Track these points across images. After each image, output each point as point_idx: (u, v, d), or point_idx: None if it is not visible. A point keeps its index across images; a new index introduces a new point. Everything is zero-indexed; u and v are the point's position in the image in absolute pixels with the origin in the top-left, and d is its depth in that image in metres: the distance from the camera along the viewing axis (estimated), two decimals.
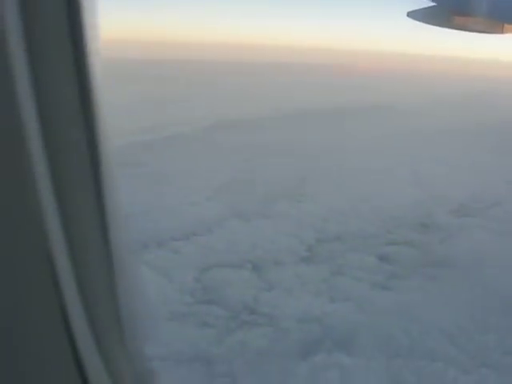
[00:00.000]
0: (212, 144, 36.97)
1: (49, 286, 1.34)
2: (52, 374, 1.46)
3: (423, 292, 18.18)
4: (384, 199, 26.59)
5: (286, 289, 17.71)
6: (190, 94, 58.59)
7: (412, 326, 15.99)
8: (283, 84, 74.37)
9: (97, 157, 1.37)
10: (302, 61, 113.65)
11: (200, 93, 60.08)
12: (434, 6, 11.94)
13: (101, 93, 1.35)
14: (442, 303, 17.48)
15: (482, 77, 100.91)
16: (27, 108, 1.19)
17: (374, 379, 13.66)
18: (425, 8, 12.12)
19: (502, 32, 11.43)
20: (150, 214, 22.57)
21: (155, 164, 30.85)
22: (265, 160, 32.93)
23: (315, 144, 37.46)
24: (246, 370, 13.56)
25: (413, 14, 12.42)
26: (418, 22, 12.39)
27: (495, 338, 15.77)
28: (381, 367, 14.07)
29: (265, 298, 17.06)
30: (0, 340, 1.34)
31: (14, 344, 1.35)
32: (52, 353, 1.43)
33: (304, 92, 66.35)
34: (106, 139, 1.40)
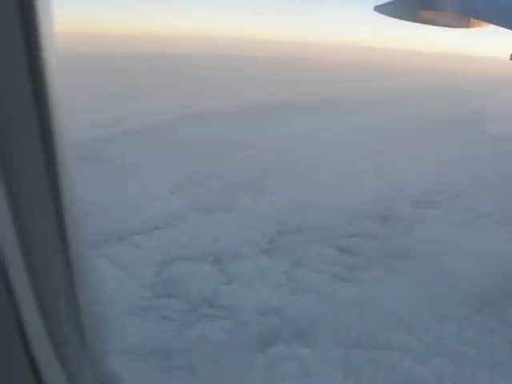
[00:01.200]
0: (176, 138, 36.82)
1: (1, 287, 1.29)
2: (6, 378, 1.39)
3: (383, 283, 18.35)
4: (345, 191, 26.79)
5: (246, 281, 17.74)
6: (158, 88, 58.22)
7: (371, 317, 16.15)
8: (249, 78, 74.30)
9: (52, 151, 1.33)
10: (269, 55, 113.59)
11: (168, 86, 59.78)
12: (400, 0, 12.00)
13: (57, 87, 1.31)
14: (400, 294, 17.67)
15: (447, 71, 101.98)
16: None
17: (331, 369, 13.76)
18: (392, 2, 12.15)
19: (468, 26, 11.52)
20: (112, 209, 22.43)
21: (118, 158, 30.62)
22: (228, 153, 32.93)
23: (278, 137, 37.55)
24: (204, 363, 13.57)
25: (380, 8, 12.44)
26: (384, 16, 12.44)
27: (452, 328, 16.02)
28: (339, 358, 14.19)
29: (224, 291, 17.07)
30: None
31: None
32: (5, 356, 1.37)
33: (269, 86, 66.36)
34: (62, 134, 1.37)
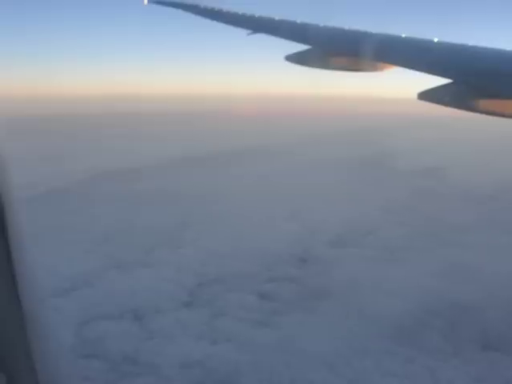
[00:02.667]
0: (90, 196, 36.41)
1: None
2: None
3: (303, 325, 18.55)
4: (263, 237, 27.06)
5: (168, 335, 17.64)
6: (77, 148, 57.51)
7: (293, 359, 16.29)
8: (166, 133, 74.16)
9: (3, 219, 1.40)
10: (185, 109, 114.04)
11: (87, 146, 59.16)
12: (309, 48, 12.40)
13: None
14: (322, 334, 17.91)
15: (358, 114, 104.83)
16: None
17: None
18: (302, 51, 12.55)
19: (375, 70, 11.99)
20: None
21: (35, 219, 29.92)
22: (145, 208, 32.80)
23: (196, 189, 37.66)
24: None
25: (290, 57, 12.83)
26: (295, 65, 12.83)
27: (373, 362, 16.31)
28: None
29: (146, 347, 16.91)
30: None
31: None
32: None
33: (185, 139, 66.54)
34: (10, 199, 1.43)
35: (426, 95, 10.01)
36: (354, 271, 23.12)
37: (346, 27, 13.33)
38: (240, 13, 15.04)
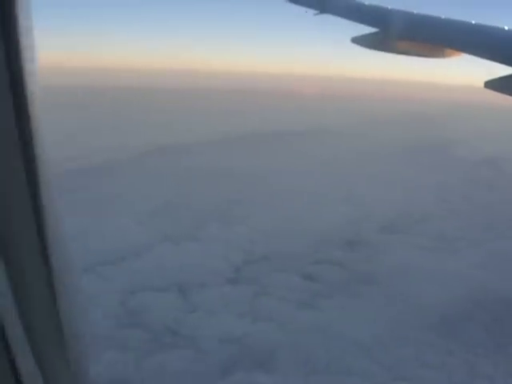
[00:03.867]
0: (148, 169, 36.84)
1: None
2: None
3: (346, 309, 18.53)
4: (314, 219, 26.98)
5: (210, 310, 17.88)
6: (135, 120, 58.06)
7: (332, 342, 16.31)
8: (227, 109, 74.18)
9: (35, 176, 1.43)
10: (248, 86, 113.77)
11: (145, 119, 59.64)
12: (377, 31, 12.30)
13: (40, 119, 1.42)
14: (363, 319, 17.86)
15: (421, 99, 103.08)
16: None
17: None
18: (368, 34, 12.46)
19: (443, 56, 11.83)
20: (79, 239, 22.34)
21: (90, 190, 30.58)
22: (199, 184, 32.98)
23: (252, 168, 37.64)
24: None
25: (357, 40, 12.76)
26: (361, 48, 12.76)
27: (412, 351, 16.20)
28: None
29: (187, 320, 17.19)
30: None
31: None
32: None
33: (248, 116, 66.47)
34: (45, 161, 1.46)
35: (493, 84, 9.79)
36: (402, 258, 22.89)
37: (415, 11, 13.14)
38: None
